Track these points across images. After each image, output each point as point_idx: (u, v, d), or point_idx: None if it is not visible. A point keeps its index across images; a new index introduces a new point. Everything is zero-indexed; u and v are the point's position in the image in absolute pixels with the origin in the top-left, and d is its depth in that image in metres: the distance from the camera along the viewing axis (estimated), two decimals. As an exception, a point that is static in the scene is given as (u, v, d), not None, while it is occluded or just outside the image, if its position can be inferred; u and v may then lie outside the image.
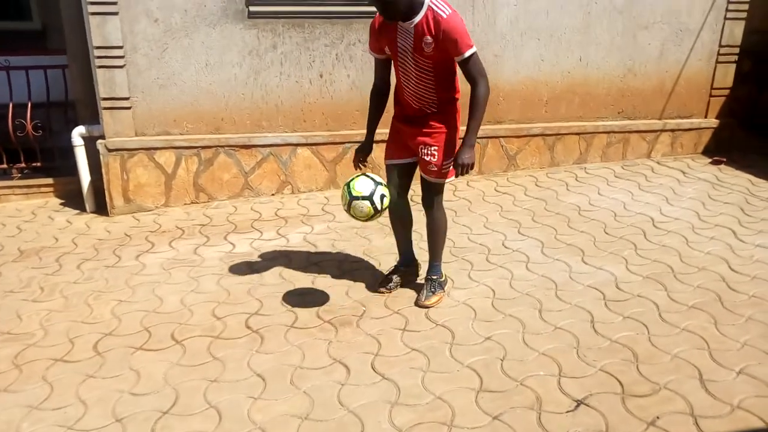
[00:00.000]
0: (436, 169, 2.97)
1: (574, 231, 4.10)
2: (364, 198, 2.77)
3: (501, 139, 5.13)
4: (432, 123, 2.93)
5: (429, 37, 2.71)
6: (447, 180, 3.03)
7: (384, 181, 2.91)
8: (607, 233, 4.05)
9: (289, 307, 3.20)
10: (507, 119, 5.12)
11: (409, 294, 3.30)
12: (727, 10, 5.26)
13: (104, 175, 4.47)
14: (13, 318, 3.15)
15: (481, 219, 4.33)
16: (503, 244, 3.92)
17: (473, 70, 2.76)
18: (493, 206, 4.55)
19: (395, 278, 3.34)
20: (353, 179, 2.84)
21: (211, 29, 4.37)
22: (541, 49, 5.00)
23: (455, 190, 4.88)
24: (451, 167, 2.96)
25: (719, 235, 3.97)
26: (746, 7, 5.28)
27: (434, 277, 3.24)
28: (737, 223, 4.15)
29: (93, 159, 4.55)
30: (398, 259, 3.42)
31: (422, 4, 2.71)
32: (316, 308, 3.18)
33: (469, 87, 2.82)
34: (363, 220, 2.88)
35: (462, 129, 2.96)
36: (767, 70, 6.37)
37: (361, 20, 4.57)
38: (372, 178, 2.84)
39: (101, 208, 4.62)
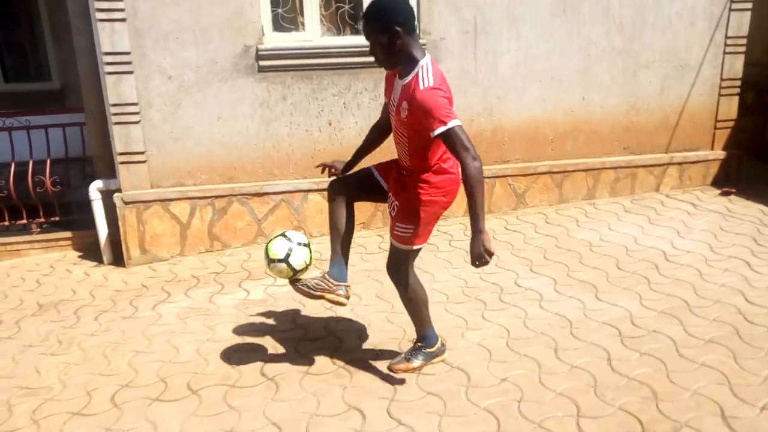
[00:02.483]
0: (395, 228, 2.73)
1: (586, 267, 4.10)
2: (279, 261, 2.73)
3: (508, 177, 5.19)
4: (406, 180, 2.75)
5: (406, 103, 2.53)
6: (403, 246, 2.71)
7: (305, 242, 2.81)
8: (619, 268, 4.04)
9: (304, 353, 3.21)
10: (513, 158, 5.19)
11: (423, 336, 3.30)
12: (725, 45, 5.35)
13: (121, 227, 4.57)
14: (32, 372, 3.19)
15: (493, 258, 4.33)
16: (516, 283, 3.92)
17: (454, 146, 2.42)
18: (504, 245, 4.56)
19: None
20: (271, 240, 2.81)
21: (222, 84, 4.53)
22: (543, 90, 5.10)
23: (465, 229, 4.91)
24: (410, 239, 2.69)
25: (733, 266, 3.95)
26: (744, 41, 5.37)
27: (419, 344, 2.90)
28: (750, 253, 4.12)
29: (110, 212, 4.66)
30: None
31: (416, 65, 2.53)
32: (330, 353, 3.19)
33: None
34: (287, 278, 2.82)
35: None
36: (771, 101, 6.44)
37: (367, 70, 4.70)
38: (289, 238, 2.78)
39: (118, 259, 4.70)
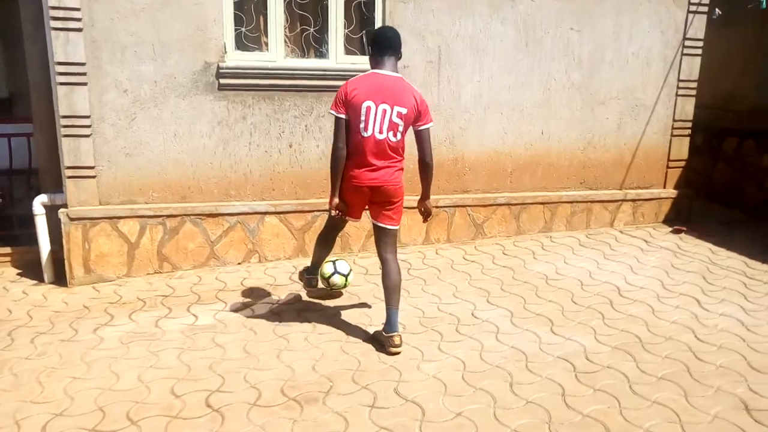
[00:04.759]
0: None
1: (542, 300, 4.10)
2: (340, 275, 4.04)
3: (468, 208, 5.20)
4: None
5: None
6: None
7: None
8: (574, 302, 4.07)
9: (253, 383, 3.08)
10: (473, 189, 5.21)
11: (379, 368, 3.22)
12: (678, 87, 5.55)
13: (65, 245, 4.34)
14: (-45, 399, 2.95)
15: (450, 288, 4.31)
16: (473, 314, 3.89)
17: None
18: (461, 275, 4.54)
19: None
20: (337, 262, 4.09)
21: (180, 100, 4.41)
22: (504, 122, 5.17)
23: (424, 258, 4.88)
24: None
25: (684, 303, 4.02)
26: (695, 84, 5.59)
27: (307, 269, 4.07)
28: (701, 291, 4.21)
29: (54, 228, 4.43)
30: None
31: None
32: (280, 384, 3.06)
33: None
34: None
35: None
36: (718, 143, 6.71)
37: (330, 93, 4.64)
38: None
39: (60, 278, 4.46)
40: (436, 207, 5.07)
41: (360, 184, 3.39)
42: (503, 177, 5.29)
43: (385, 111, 3.28)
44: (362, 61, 4.78)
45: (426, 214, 3.68)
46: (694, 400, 2.90)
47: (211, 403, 2.90)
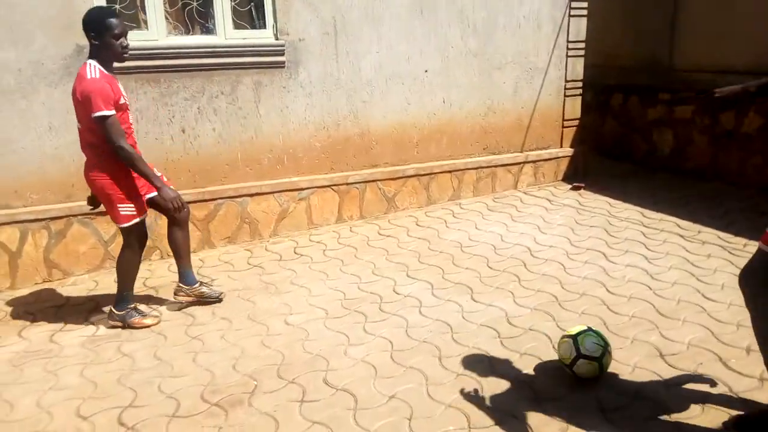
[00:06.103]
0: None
1: (459, 268, 4.12)
2: (593, 359, 2.72)
3: (378, 182, 5.11)
4: None
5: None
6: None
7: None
8: (490, 267, 4.11)
9: (169, 392, 2.84)
10: (381, 162, 5.12)
11: (304, 359, 3.08)
12: (567, 48, 5.72)
13: (-72, 262, 3.81)
14: None
15: (369, 265, 4.22)
16: (394, 290, 3.83)
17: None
18: (378, 251, 4.47)
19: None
20: (583, 334, 2.76)
21: (52, 89, 3.94)
22: (406, 92, 5.09)
23: (339, 237, 4.76)
24: None
25: (592, 258, 4.18)
26: (583, 45, 5.78)
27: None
28: (605, 245, 4.40)
29: None
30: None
31: None
32: (200, 390, 2.85)
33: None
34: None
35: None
36: (605, 100, 7.04)
37: (222, 72, 4.37)
38: (601, 338, 2.78)
39: (-73, 300, 3.92)
40: (346, 184, 4.95)
41: None
42: (410, 148, 5.23)
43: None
44: (254, 36, 4.52)
45: (167, 210, 3.45)
46: (614, 353, 2.99)
47: (125, 421, 2.64)
